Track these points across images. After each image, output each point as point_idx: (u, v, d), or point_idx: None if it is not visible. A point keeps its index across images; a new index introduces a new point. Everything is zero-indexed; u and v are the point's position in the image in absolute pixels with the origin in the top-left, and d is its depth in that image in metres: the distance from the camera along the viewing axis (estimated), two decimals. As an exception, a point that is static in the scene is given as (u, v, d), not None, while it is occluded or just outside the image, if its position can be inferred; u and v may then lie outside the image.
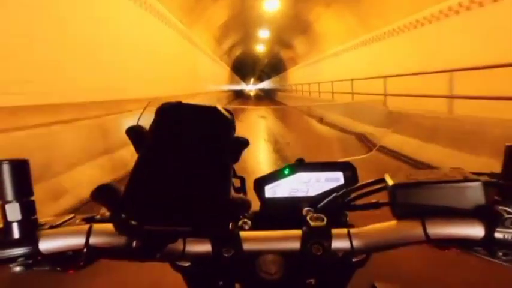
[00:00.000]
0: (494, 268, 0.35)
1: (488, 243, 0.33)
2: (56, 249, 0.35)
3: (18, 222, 0.35)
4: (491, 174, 0.36)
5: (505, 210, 0.33)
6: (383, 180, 0.39)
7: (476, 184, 0.35)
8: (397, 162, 4.32)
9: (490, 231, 0.32)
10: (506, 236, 0.32)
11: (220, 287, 0.44)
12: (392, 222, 0.37)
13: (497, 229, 0.32)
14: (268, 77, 46.26)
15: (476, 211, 0.34)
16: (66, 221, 0.39)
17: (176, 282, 0.45)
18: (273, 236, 0.39)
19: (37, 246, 0.35)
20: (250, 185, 0.50)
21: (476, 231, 0.33)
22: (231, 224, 0.31)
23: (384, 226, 0.37)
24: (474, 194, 0.35)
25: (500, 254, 0.32)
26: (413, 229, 0.35)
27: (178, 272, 0.43)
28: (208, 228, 0.29)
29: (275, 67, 35.38)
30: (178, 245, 0.38)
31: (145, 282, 1.70)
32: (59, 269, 0.37)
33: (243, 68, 38.14)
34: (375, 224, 0.38)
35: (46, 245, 0.35)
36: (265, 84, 51.34)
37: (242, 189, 0.48)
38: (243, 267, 0.40)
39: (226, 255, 0.37)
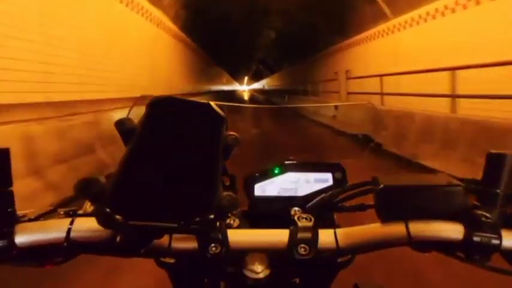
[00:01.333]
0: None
1: (467, 246, 0.34)
2: (33, 243, 0.34)
3: None
4: (472, 180, 0.37)
5: (483, 215, 0.34)
6: (370, 183, 0.40)
7: (458, 189, 0.36)
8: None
9: (468, 235, 0.34)
10: (483, 240, 0.33)
11: (205, 284, 0.43)
12: (377, 224, 0.38)
13: (476, 233, 0.34)
14: (272, 70, 28.46)
15: (457, 215, 0.35)
16: (46, 213, 0.38)
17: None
18: (260, 235, 0.40)
19: (12, 239, 0.34)
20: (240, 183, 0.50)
21: (456, 234, 0.34)
22: (218, 221, 0.31)
23: (368, 228, 0.38)
24: (455, 198, 0.36)
25: (477, 257, 0.34)
26: (396, 231, 0.36)
27: (163, 269, 0.42)
28: (195, 225, 0.29)
29: (294, 46, 15.99)
30: (164, 241, 0.37)
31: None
32: (36, 263, 0.35)
33: (223, 45, 17.24)
34: (360, 226, 0.39)
35: (23, 238, 0.34)
36: (266, 83, 35.77)
37: (232, 187, 0.48)
38: (229, 265, 0.40)
39: (213, 252, 0.37)
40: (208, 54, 15.76)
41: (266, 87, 36.39)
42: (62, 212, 0.39)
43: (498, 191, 0.35)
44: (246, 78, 52.12)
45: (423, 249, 0.37)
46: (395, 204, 0.37)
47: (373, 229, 0.38)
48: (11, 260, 0.34)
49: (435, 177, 0.39)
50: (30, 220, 0.36)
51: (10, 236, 0.34)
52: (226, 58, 21.23)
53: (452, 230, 0.35)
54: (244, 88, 54.56)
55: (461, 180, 0.38)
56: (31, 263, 0.36)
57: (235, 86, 42.64)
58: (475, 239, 0.33)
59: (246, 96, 36.16)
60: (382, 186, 0.38)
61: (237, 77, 40.15)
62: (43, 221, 0.36)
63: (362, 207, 0.43)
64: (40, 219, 0.37)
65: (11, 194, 0.35)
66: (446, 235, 0.35)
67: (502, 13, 4.94)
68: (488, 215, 0.34)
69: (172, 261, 0.41)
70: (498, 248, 0.33)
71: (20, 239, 0.34)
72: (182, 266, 0.42)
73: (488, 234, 0.33)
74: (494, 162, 0.35)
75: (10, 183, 0.35)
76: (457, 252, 0.35)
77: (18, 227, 0.35)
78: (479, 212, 0.34)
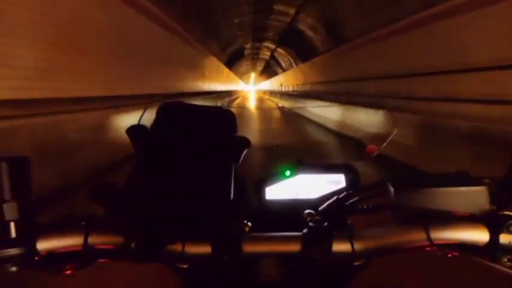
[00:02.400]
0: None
1: (493, 248, 0.33)
2: (53, 249, 0.36)
3: (16, 221, 0.35)
4: (496, 179, 0.36)
5: (510, 216, 0.33)
6: (385, 183, 0.40)
7: (481, 188, 0.35)
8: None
9: (494, 237, 0.33)
10: (511, 242, 0.32)
11: None
12: (395, 227, 0.37)
13: (502, 234, 0.33)
14: (306, 53, 13.34)
15: (481, 216, 0.35)
16: (64, 220, 0.39)
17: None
18: (274, 239, 0.40)
19: (34, 246, 0.35)
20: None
21: (481, 236, 0.34)
22: (231, 225, 0.31)
23: (385, 230, 0.38)
24: (478, 198, 0.35)
25: (505, 259, 0.33)
26: (415, 233, 0.36)
27: (177, 274, 0.43)
28: (208, 230, 0.30)
29: None
30: (177, 246, 0.38)
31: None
32: (56, 269, 0.37)
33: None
34: (376, 228, 0.39)
35: (43, 245, 0.36)
36: (284, 81, 21.18)
37: (243, 190, 0.48)
38: (243, 270, 0.40)
39: (226, 257, 0.37)
40: (185, 29, 8.41)
41: (284, 88, 20.16)
42: (79, 219, 0.40)
43: None
44: (253, 74, 38.69)
45: (445, 251, 0.36)
46: (413, 206, 0.36)
47: (390, 232, 0.37)
48: (33, 266, 0.36)
49: (455, 177, 0.38)
50: (50, 227, 0.37)
51: (32, 243, 0.35)
52: (222, 38, 11.60)
53: (476, 232, 0.34)
54: (250, 88, 43.09)
55: (483, 178, 0.37)
56: (51, 269, 0.37)
57: (237, 85, 27.99)
58: (502, 241, 0.32)
59: (251, 104, 18.74)
60: (399, 187, 0.37)
61: (238, 70, 25.57)
62: (62, 228, 0.37)
63: (378, 209, 0.42)
64: (59, 226, 0.38)
65: (32, 202, 0.36)
66: (469, 238, 0.34)
67: None
68: None
69: (185, 266, 0.42)
70: None
71: (41, 245, 0.35)
72: (196, 271, 0.42)
73: None
74: None
75: (30, 192, 0.36)
76: (482, 255, 0.34)
77: (39, 233, 0.36)
78: (505, 212, 0.33)
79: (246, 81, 41.28)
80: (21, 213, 0.35)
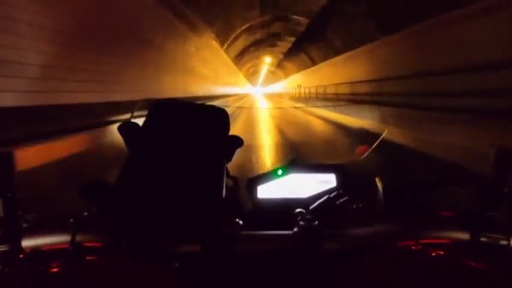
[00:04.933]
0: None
1: (475, 247, 0.34)
2: (40, 247, 0.36)
3: (0, 218, 0.35)
4: (479, 180, 0.37)
5: (491, 215, 0.34)
6: (375, 183, 0.40)
7: (465, 190, 0.36)
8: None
9: (475, 236, 0.34)
10: (491, 241, 0.33)
11: (211, 287, 0.44)
12: (382, 225, 0.38)
13: (483, 234, 0.33)
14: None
15: (464, 216, 0.36)
16: (52, 218, 0.40)
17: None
18: (265, 237, 0.40)
19: (19, 243, 0.36)
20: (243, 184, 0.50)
21: (464, 235, 0.35)
22: (222, 224, 0.32)
23: (373, 229, 0.39)
24: (462, 199, 0.36)
25: (486, 258, 0.33)
26: (402, 232, 0.37)
27: (168, 273, 0.43)
28: (200, 229, 0.30)
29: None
30: (169, 245, 0.38)
31: None
32: (42, 267, 0.37)
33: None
34: (366, 226, 0.39)
35: (29, 242, 0.36)
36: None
37: (235, 189, 0.49)
38: (235, 267, 0.41)
39: (218, 255, 0.38)
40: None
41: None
42: (67, 216, 0.41)
43: (506, 190, 0.34)
44: (267, 59, 20.06)
45: (430, 249, 0.36)
46: (401, 205, 0.38)
47: (379, 230, 0.38)
48: (18, 264, 0.36)
49: (441, 178, 0.39)
50: (36, 224, 0.38)
51: (17, 240, 0.36)
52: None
53: (459, 231, 0.35)
54: (258, 90, 29.78)
55: (468, 179, 0.37)
56: (38, 267, 0.37)
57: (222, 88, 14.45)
58: (483, 240, 0.33)
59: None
60: (387, 186, 0.38)
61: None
62: (49, 226, 0.38)
63: (367, 208, 0.43)
64: (46, 223, 0.38)
65: (17, 198, 0.37)
66: (452, 236, 0.35)
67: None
68: (496, 215, 0.34)
69: (177, 265, 0.42)
70: (507, 249, 0.33)
71: (27, 243, 0.36)
72: (187, 270, 0.43)
73: (496, 235, 0.33)
74: (501, 159, 0.35)
75: (16, 188, 0.37)
76: (465, 253, 0.35)
77: (25, 231, 0.37)
78: (487, 212, 0.34)
79: (254, 83, 24.48)
80: (6, 209, 0.35)
